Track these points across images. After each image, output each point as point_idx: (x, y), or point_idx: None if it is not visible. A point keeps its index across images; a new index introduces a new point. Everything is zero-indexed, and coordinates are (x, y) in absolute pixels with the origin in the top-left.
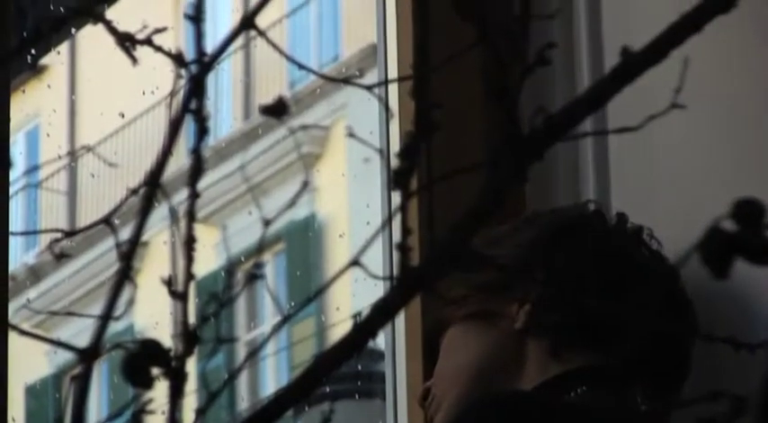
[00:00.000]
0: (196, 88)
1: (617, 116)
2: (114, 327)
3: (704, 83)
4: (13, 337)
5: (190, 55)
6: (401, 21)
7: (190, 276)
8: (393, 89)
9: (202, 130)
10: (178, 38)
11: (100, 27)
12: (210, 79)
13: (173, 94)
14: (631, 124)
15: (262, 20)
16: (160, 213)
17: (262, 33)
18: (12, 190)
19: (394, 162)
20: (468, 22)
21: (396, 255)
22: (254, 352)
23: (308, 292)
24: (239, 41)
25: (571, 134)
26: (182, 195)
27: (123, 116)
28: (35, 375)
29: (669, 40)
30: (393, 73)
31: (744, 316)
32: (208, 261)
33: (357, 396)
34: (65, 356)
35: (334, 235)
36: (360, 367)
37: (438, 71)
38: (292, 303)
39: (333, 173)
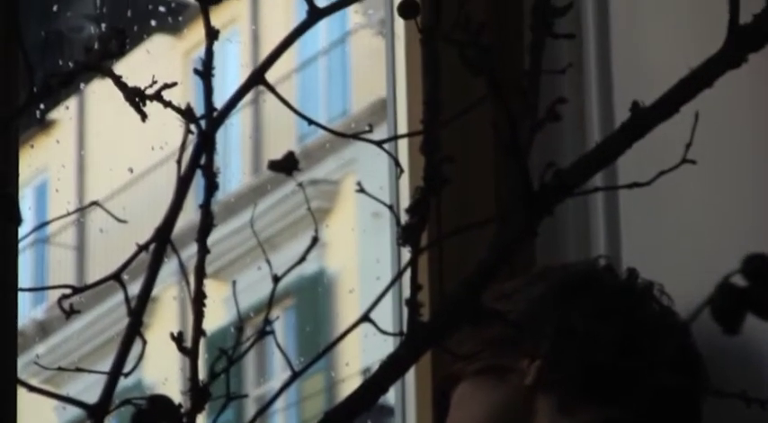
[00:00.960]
0: (205, 144)
1: (627, 171)
2: (124, 383)
3: (715, 137)
4: (21, 393)
5: (199, 110)
6: (411, 75)
7: (199, 332)
8: (403, 144)
9: (212, 186)
10: (187, 92)
11: (109, 81)
12: (219, 134)
13: (182, 149)
14: (642, 179)
15: (271, 74)
16: (169, 268)
17: (271, 89)
18: (20, 245)
19: (404, 217)
20: (478, 78)
21: (406, 310)
22: (264, 408)
23: (317, 348)
24: (248, 96)
25: (581, 189)
26: (191, 250)
27: (132, 171)
28: None
29: (680, 95)
30: (403, 127)
31: (755, 371)
32: (217, 316)
33: None
34: (74, 412)
35: (344, 290)
36: None
37: (449, 123)
38: (302, 359)
39: (342, 228)
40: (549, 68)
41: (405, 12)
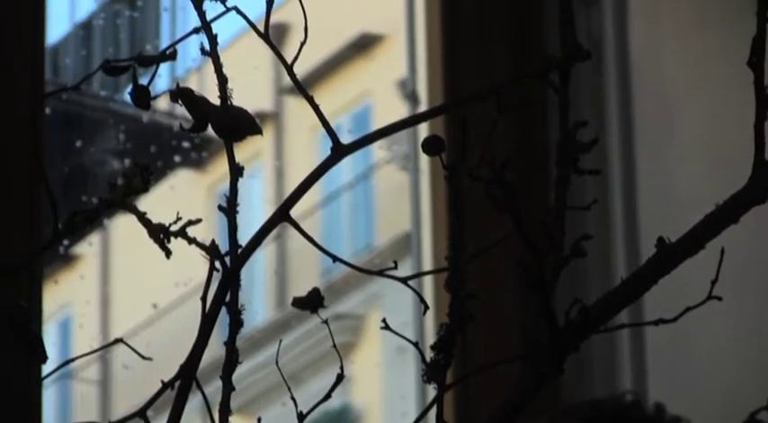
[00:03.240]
0: (230, 281)
1: (653, 306)
2: None
3: (740, 273)
4: None
5: (224, 246)
6: (435, 210)
7: None
8: (428, 279)
9: (237, 323)
10: (211, 228)
11: (133, 217)
12: (244, 269)
13: (207, 286)
14: (668, 315)
15: (295, 209)
16: (194, 404)
17: (296, 226)
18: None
19: (429, 354)
20: (503, 214)
21: None
22: None
23: None
24: (273, 232)
25: (607, 326)
26: (216, 385)
27: (156, 307)
28: None
29: (705, 232)
30: (428, 261)
31: None
32: None
33: None
34: None
35: None
36: None
37: (474, 260)
38: None
39: (367, 363)
40: (575, 205)
41: (429, 148)
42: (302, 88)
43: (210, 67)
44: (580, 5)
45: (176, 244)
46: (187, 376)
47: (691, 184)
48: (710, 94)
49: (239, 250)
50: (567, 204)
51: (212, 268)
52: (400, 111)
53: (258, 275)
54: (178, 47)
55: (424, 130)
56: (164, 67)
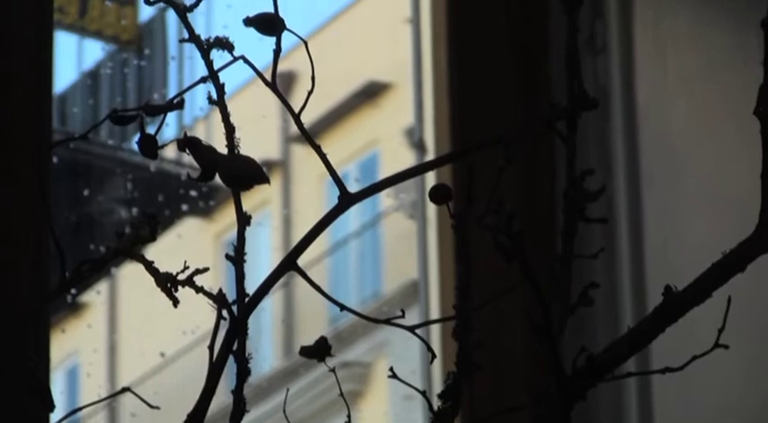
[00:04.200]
0: (238, 330)
1: (660, 354)
2: None
3: (747, 321)
4: None
5: (231, 295)
6: (443, 258)
7: None
8: (435, 328)
9: (244, 372)
10: (219, 276)
11: (140, 265)
12: (251, 318)
13: (214, 335)
14: (674, 363)
15: (302, 257)
16: None
17: (304, 275)
18: None
19: (436, 403)
20: (511, 262)
21: None
22: None
23: None
24: (280, 281)
25: (614, 375)
26: None
27: (164, 355)
28: None
29: (712, 280)
30: (435, 310)
31: None
32: None
33: None
34: None
35: None
36: None
37: (481, 308)
38: None
39: (375, 411)
40: (582, 253)
41: (436, 197)
42: (309, 137)
43: (218, 116)
44: (587, 54)
45: (184, 292)
46: None
47: (698, 233)
48: (717, 142)
49: (247, 299)
50: (574, 253)
51: (220, 317)
52: (407, 158)
53: (265, 324)
54: (185, 96)
55: (431, 178)
56: (171, 116)
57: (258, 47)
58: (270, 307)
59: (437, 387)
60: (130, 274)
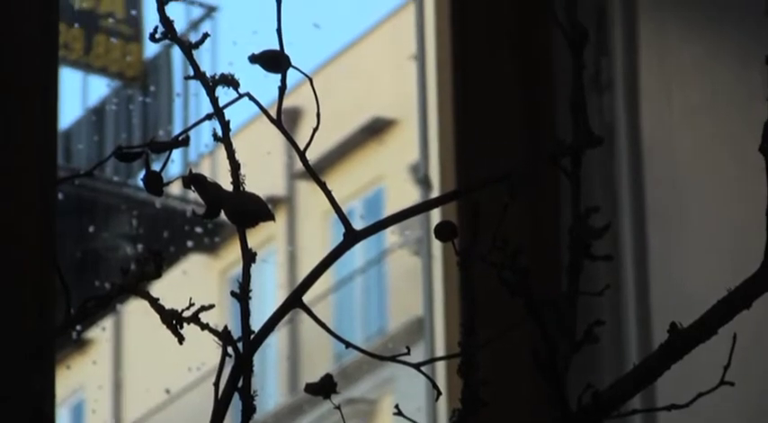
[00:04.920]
0: (243, 367)
1: (665, 391)
2: None
3: (753, 357)
4: None
5: (236, 332)
6: (448, 295)
7: None
8: (441, 364)
9: (249, 408)
10: (224, 312)
11: (145, 302)
12: (256, 354)
13: (220, 371)
14: (680, 400)
15: (307, 294)
16: None
17: (309, 312)
18: None
19: None
20: (516, 299)
21: None
22: None
23: None
24: (285, 317)
25: (619, 411)
26: None
27: (169, 392)
28: None
29: (718, 317)
30: (440, 346)
31: None
32: None
33: None
34: None
35: None
36: None
37: (486, 345)
38: None
39: None
40: (587, 290)
41: (442, 234)
42: (315, 174)
43: (223, 152)
44: (592, 91)
45: (189, 328)
46: None
47: (703, 270)
48: (722, 179)
49: (252, 336)
50: (579, 290)
51: (225, 354)
52: (412, 195)
53: (271, 360)
54: (191, 132)
55: (436, 214)
56: (176, 152)
57: (263, 83)
58: (275, 343)
59: None
60: (136, 311)
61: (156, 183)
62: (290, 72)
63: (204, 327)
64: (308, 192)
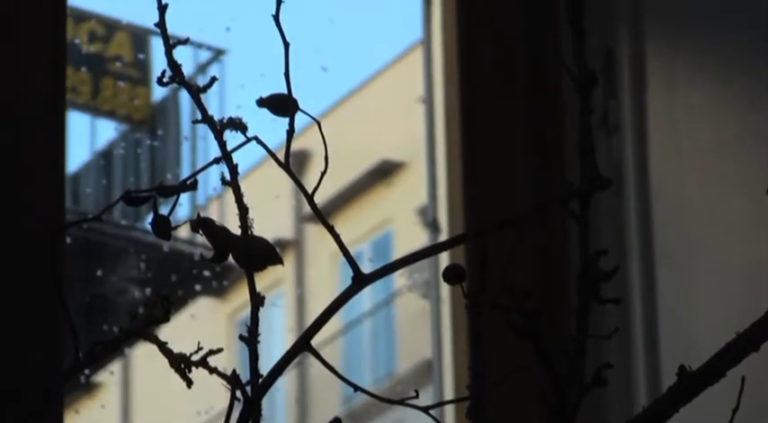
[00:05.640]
0: (251, 410)
1: None
2: None
3: (761, 402)
4: None
5: (245, 375)
6: (457, 338)
7: None
8: (450, 407)
9: None
10: (232, 356)
11: (154, 346)
12: (265, 398)
13: (228, 415)
14: None
15: (316, 337)
16: None
17: (317, 356)
18: None
19: None
20: (524, 342)
21: None
22: None
23: None
24: (294, 361)
25: None
26: None
27: None
28: None
29: (726, 360)
30: (449, 389)
31: None
32: None
33: None
34: None
35: None
36: None
37: (495, 388)
38: None
39: None
40: (595, 333)
41: (450, 277)
42: (323, 218)
43: (231, 195)
44: (600, 133)
45: (198, 372)
46: None
47: (712, 313)
48: (731, 220)
49: (260, 379)
50: (587, 333)
51: (233, 398)
52: (421, 237)
53: (279, 404)
54: (199, 176)
55: (444, 256)
56: (184, 195)
57: (271, 126)
58: (284, 387)
59: None
60: (144, 355)
61: (164, 227)
62: (298, 115)
63: (213, 370)
64: (316, 235)
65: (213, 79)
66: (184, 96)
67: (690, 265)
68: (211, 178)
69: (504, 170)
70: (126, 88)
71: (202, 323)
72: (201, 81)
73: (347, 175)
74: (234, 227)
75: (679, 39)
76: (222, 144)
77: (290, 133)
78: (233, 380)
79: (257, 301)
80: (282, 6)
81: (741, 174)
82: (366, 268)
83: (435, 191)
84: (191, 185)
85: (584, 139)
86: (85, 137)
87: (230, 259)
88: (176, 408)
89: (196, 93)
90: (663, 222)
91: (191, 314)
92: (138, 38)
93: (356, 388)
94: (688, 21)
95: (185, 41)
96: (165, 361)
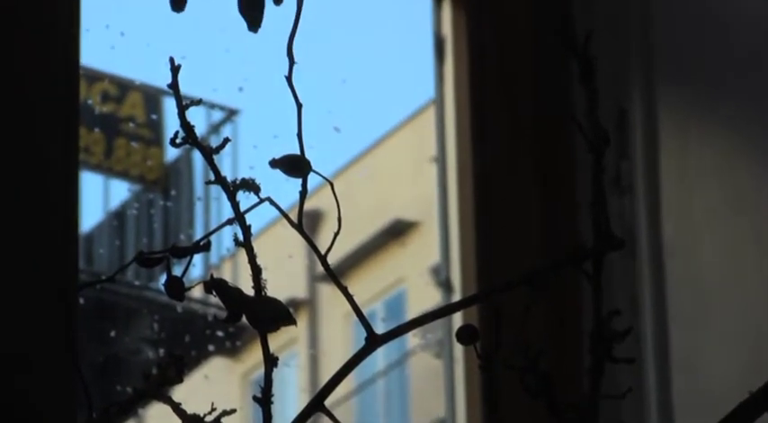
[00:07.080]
0: None
1: None
2: None
3: None
4: None
5: None
6: (470, 398)
7: None
8: None
9: None
10: (246, 417)
11: (167, 407)
12: None
13: None
14: None
15: (330, 397)
16: None
17: (331, 416)
18: None
19: None
20: (538, 402)
21: None
22: None
23: None
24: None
25: None
26: None
27: None
28: None
29: (740, 419)
30: None
31: None
32: None
33: None
34: None
35: None
36: None
37: None
38: None
39: None
40: (609, 393)
41: (463, 338)
42: (336, 278)
43: (244, 255)
44: (613, 193)
45: None
46: None
47: (726, 372)
48: (745, 279)
49: None
50: (601, 393)
51: None
52: (434, 297)
53: None
54: (212, 236)
55: (458, 316)
56: (198, 256)
57: (284, 186)
58: None
59: None
60: (158, 416)
61: (177, 288)
62: (311, 175)
63: None
64: (329, 294)
65: (226, 140)
66: (197, 156)
67: (703, 325)
68: (225, 239)
69: (516, 229)
70: (139, 149)
71: (216, 383)
72: (214, 141)
73: (360, 234)
74: (247, 287)
75: (692, 98)
76: (235, 205)
77: (303, 194)
78: None
79: (271, 362)
80: (295, 67)
81: (754, 233)
82: (379, 328)
83: (448, 250)
84: (204, 246)
85: (597, 199)
86: (99, 197)
87: (244, 320)
88: None
89: (209, 154)
90: (676, 282)
91: (204, 375)
92: (151, 98)
93: None
94: (701, 80)
95: (198, 102)
96: (179, 422)
